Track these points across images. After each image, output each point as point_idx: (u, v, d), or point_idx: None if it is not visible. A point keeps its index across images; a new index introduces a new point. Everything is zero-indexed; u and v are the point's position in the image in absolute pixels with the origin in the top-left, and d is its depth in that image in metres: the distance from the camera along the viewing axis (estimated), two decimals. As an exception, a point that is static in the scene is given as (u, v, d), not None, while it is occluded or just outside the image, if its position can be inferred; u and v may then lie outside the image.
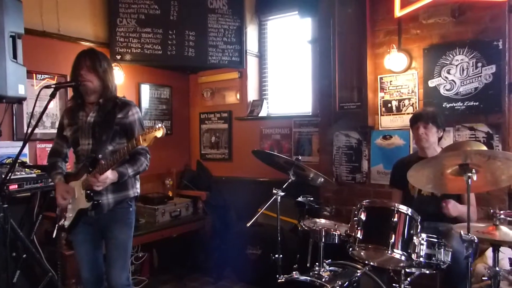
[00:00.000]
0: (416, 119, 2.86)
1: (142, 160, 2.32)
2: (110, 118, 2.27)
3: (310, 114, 4.24)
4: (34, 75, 3.54)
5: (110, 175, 2.17)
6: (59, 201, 2.32)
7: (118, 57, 4.09)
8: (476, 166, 2.02)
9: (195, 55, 4.33)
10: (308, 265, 2.54)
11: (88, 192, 2.21)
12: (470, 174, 1.98)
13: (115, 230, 2.34)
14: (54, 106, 3.65)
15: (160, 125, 2.01)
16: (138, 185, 2.47)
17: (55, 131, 3.62)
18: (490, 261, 2.61)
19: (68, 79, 2.42)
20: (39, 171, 3.06)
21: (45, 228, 3.34)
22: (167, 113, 4.80)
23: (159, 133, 1.98)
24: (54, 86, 2.30)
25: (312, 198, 2.90)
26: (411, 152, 3.41)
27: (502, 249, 2.50)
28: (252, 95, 4.77)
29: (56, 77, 3.63)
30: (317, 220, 2.70)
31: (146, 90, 4.57)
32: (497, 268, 2.06)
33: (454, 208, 2.56)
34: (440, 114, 2.92)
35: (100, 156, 2.21)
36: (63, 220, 2.34)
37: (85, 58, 2.27)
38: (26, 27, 3.04)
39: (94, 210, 2.25)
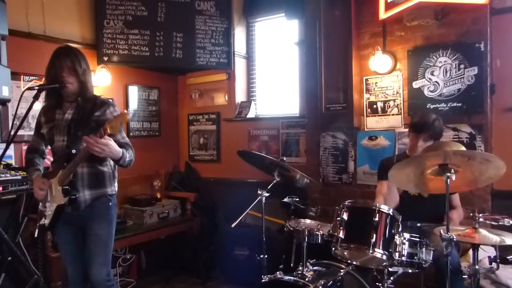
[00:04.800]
0: (421, 128, 2.69)
1: (130, 151, 2.33)
2: (87, 115, 2.28)
3: (298, 115, 4.27)
4: (21, 76, 3.52)
5: (112, 144, 2.11)
6: (36, 193, 2.33)
7: (106, 58, 4.08)
8: (455, 166, 2.05)
9: (183, 57, 4.34)
10: (292, 265, 2.56)
11: (65, 187, 2.21)
12: (449, 174, 2.01)
13: (95, 226, 2.34)
14: (40, 108, 3.63)
15: (125, 111, 2.01)
16: (116, 183, 2.48)
17: (41, 133, 3.64)
18: (472, 260, 2.64)
19: (44, 77, 2.40)
20: (25, 173, 3.04)
21: (31, 230, 3.32)
22: (155, 114, 4.80)
23: (124, 118, 1.99)
24: (37, 87, 2.29)
25: (298, 199, 2.91)
26: (396, 153, 3.45)
27: (484, 247, 2.56)
28: (240, 96, 4.79)
29: (43, 78, 3.57)
30: (302, 220, 2.71)
31: (134, 92, 4.56)
32: (476, 267, 2.09)
33: None
34: (442, 124, 2.78)
35: (74, 151, 2.20)
36: (43, 219, 2.34)
37: (65, 59, 2.26)
38: (11, 28, 3.04)
39: (71, 205, 2.25)
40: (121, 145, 2.28)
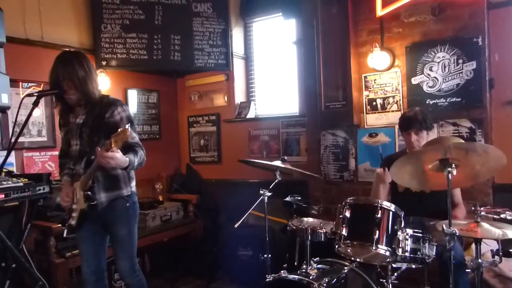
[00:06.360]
0: (408, 126, 2.73)
1: (140, 152, 2.33)
2: (97, 119, 2.31)
3: (297, 114, 4.27)
4: (19, 83, 3.53)
5: (119, 156, 2.12)
6: (61, 203, 2.47)
7: (104, 63, 4.09)
8: (455, 160, 2.05)
9: (181, 59, 4.34)
10: (296, 263, 2.57)
11: (86, 193, 2.31)
12: (450, 169, 2.02)
13: (115, 227, 2.45)
14: (40, 114, 3.64)
15: (125, 127, 2.00)
16: (133, 183, 2.51)
17: (41, 139, 3.66)
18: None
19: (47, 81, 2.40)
20: (26, 180, 3.04)
21: (35, 236, 3.33)
22: (155, 117, 4.81)
23: (124, 135, 1.99)
24: (37, 94, 2.30)
25: (300, 198, 2.92)
26: (397, 149, 3.46)
27: (487, 241, 2.55)
28: (239, 97, 4.80)
29: (42, 84, 3.61)
30: (305, 219, 2.71)
31: (133, 96, 4.57)
32: (479, 260, 2.10)
33: None
34: (428, 113, 2.82)
35: (93, 157, 2.25)
36: (71, 219, 2.43)
37: (62, 72, 2.25)
38: (9, 35, 3.04)
39: (90, 210, 2.34)
40: (130, 145, 2.28)
